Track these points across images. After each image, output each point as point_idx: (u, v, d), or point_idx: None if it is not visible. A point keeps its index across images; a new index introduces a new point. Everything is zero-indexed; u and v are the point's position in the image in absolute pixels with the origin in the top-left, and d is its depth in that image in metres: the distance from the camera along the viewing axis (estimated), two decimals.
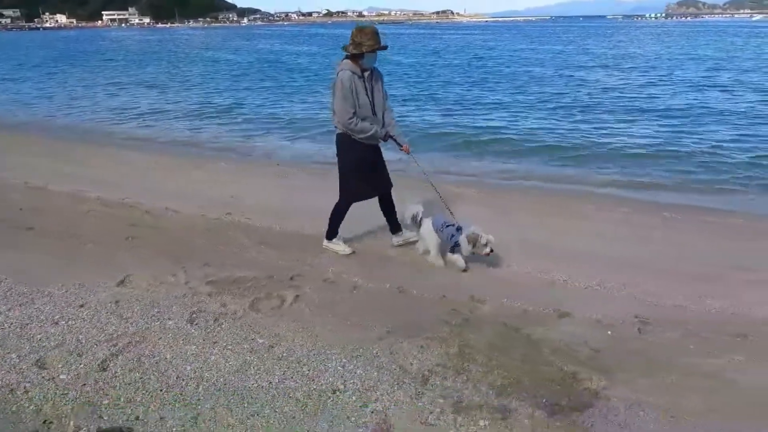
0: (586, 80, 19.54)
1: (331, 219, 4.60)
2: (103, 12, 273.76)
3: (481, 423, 2.43)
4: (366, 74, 4.15)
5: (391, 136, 4.36)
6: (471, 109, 13.99)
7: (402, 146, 4.43)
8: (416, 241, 4.61)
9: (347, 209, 4.55)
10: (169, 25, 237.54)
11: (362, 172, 4.37)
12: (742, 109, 12.97)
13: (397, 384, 2.71)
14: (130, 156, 9.16)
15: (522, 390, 2.71)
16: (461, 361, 2.94)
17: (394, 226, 4.76)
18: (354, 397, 2.60)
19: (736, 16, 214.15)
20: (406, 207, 4.56)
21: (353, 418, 2.45)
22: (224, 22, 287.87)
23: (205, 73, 25.68)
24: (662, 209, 6.09)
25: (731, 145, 9.51)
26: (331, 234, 4.66)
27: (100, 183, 6.99)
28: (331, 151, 9.65)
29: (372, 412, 2.49)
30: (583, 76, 21.08)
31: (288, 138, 11.08)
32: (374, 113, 4.24)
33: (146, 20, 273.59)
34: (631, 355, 3.09)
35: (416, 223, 4.48)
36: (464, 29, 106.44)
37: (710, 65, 24.27)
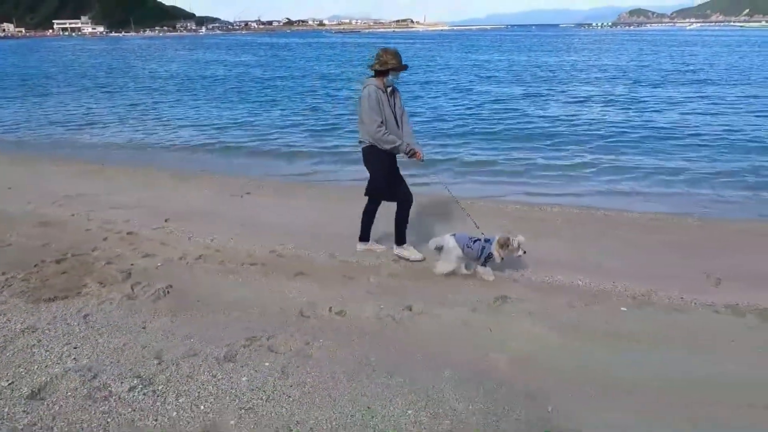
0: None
1: (362, 221, 4.98)
2: (53, 21, 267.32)
3: None
4: (389, 90, 4.58)
5: (412, 149, 4.60)
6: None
7: (416, 153, 4.62)
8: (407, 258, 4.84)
9: (376, 210, 4.93)
10: (122, 34, 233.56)
11: (387, 177, 4.73)
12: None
13: None
14: None
15: (49, 293, 4.03)
16: (31, 283, 4.28)
17: (400, 239, 4.93)
18: None
19: (677, 24, 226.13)
20: (434, 240, 4.66)
21: None
22: (181, 31, 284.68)
23: (105, 84, 26.54)
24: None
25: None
26: (364, 236, 5.04)
27: None
28: (106, 154, 10.85)
29: None
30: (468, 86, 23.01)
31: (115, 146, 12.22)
32: (398, 125, 4.63)
33: (100, 29, 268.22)
34: (158, 275, 4.50)
35: (440, 248, 4.57)
36: (414, 38, 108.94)
37: (603, 75, 26.66)
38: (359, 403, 2.74)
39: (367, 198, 4.89)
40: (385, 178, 4.70)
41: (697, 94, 18.28)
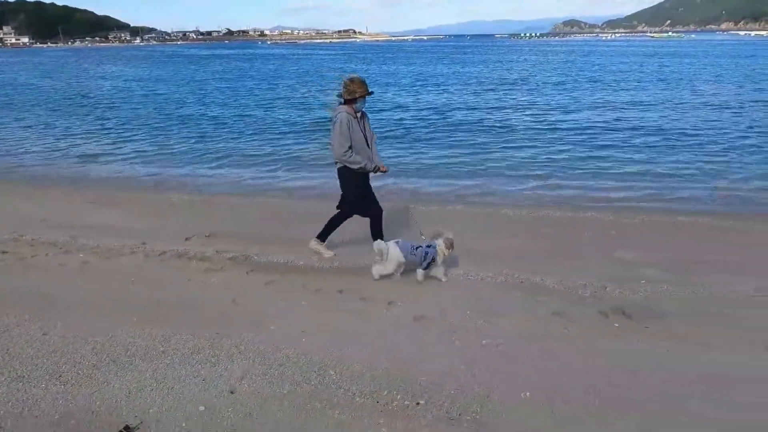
0: None
1: (326, 224, 5.41)
2: None
3: None
4: (358, 115, 5.01)
5: (376, 165, 5.13)
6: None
7: (380, 168, 5.15)
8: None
9: (342, 221, 5.39)
10: (47, 45, 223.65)
11: (360, 195, 5.21)
12: None
13: None
14: None
15: None
16: None
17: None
18: None
19: (600, 35, 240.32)
20: (378, 244, 4.86)
21: None
22: (114, 41, 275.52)
23: None
24: None
25: None
26: (322, 237, 5.46)
27: None
28: None
29: None
30: None
31: None
32: (368, 146, 5.09)
33: (24, 40, 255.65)
34: None
35: (383, 256, 4.78)
36: (347, 50, 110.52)
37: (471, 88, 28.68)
38: None
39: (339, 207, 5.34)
40: (359, 196, 5.20)
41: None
